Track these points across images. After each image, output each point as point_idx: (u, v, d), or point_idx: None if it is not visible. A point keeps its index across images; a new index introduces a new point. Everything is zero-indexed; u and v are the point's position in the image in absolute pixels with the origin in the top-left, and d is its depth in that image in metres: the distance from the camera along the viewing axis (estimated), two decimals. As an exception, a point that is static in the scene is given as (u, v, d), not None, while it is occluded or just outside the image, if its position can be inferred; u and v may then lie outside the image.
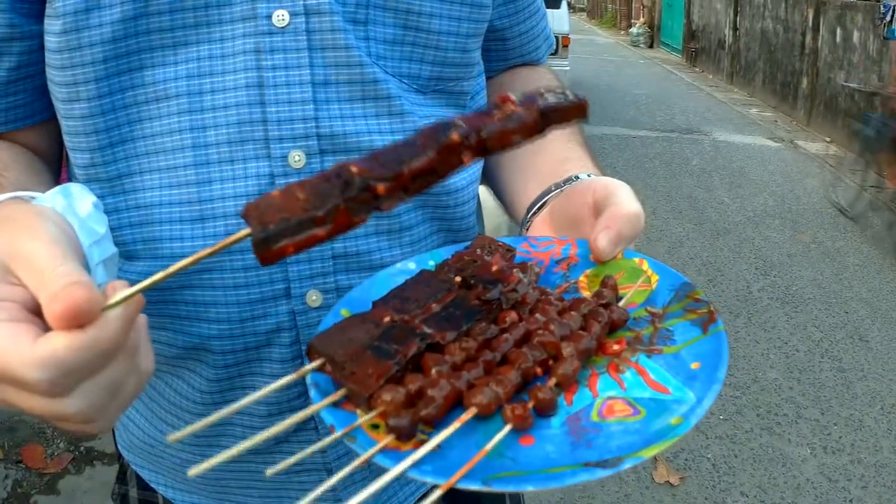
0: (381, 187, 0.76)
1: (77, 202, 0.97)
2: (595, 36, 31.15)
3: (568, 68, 11.26)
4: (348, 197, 0.75)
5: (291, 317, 1.15)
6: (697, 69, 21.59)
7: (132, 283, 1.11)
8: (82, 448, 4.30)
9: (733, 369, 5.54)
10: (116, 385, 0.75)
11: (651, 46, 27.23)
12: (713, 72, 20.36)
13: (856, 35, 12.16)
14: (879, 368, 5.72)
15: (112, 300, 0.71)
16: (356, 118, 1.13)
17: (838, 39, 12.84)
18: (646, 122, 14.04)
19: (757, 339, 6.11)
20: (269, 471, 0.72)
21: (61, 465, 4.17)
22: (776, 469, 4.53)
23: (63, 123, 1.13)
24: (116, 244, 1.05)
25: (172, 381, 1.24)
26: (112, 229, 1.07)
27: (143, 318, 0.79)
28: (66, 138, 1.14)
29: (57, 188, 0.97)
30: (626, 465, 0.71)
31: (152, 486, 1.41)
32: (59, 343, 0.68)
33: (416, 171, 0.78)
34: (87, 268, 0.87)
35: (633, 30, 28.48)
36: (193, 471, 0.68)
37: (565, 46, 10.98)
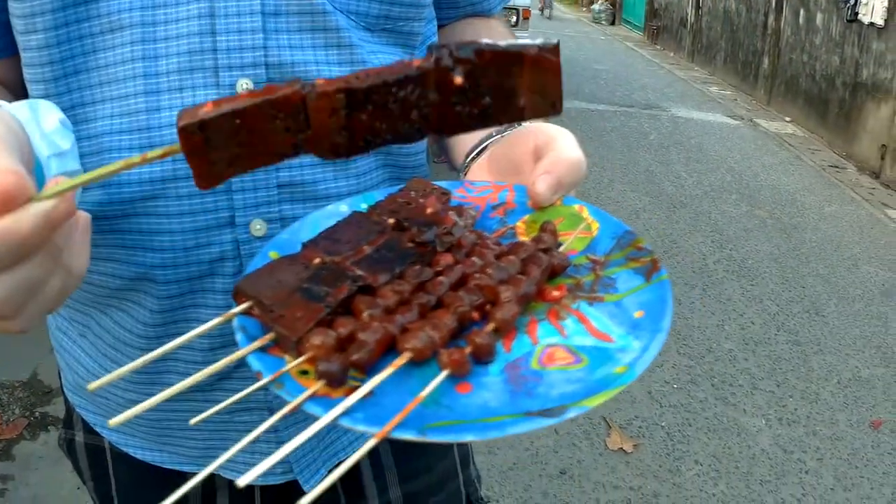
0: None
1: (42, 116, 0.96)
2: (556, 11, 31.22)
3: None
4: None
5: (235, 246, 1.16)
6: (658, 47, 21.72)
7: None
8: (37, 414, 4.29)
9: (688, 339, 5.62)
10: (35, 284, 0.74)
11: (613, 23, 27.42)
12: (674, 49, 20.48)
13: (819, 17, 12.23)
14: (836, 343, 5.77)
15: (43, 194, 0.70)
16: (304, 48, 1.13)
17: (801, 21, 12.92)
18: (605, 97, 14.07)
19: (712, 310, 6.14)
20: (193, 420, 0.74)
21: (16, 432, 4.16)
22: (731, 439, 4.55)
23: (22, 55, 1.13)
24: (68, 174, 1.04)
25: (116, 314, 1.24)
26: None
27: (84, 218, 0.79)
28: (24, 70, 1.14)
29: (24, 101, 0.96)
30: (570, 415, 0.68)
31: (97, 429, 1.42)
32: None
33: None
34: (35, 174, 0.86)
35: (595, 6, 28.65)
36: (114, 420, 0.68)
37: (525, 19, 10.96)
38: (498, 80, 0.81)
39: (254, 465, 1.25)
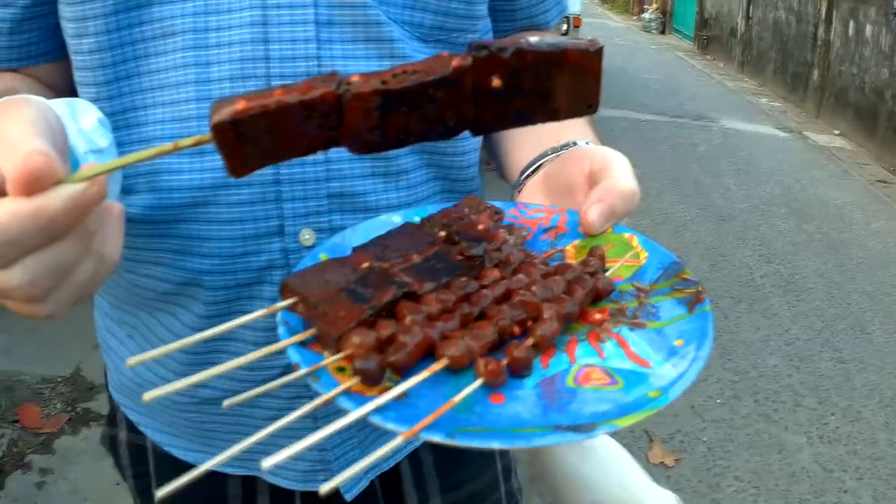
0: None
1: (80, 114, 0.97)
2: (607, 20, 31.05)
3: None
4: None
5: (284, 255, 1.16)
6: (709, 57, 21.53)
7: (131, 217, 1.09)
8: (79, 409, 4.33)
9: (732, 354, 5.58)
10: (64, 266, 0.75)
11: (663, 32, 27.15)
12: (724, 60, 20.31)
13: (868, 29, 12.12)
14: (879, 362, 5.71)
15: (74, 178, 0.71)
16: (357, 59, 1.13)
17: (851, 33, 12.80)
18: (655, 107, 13.99)
19: (758, 325, 6.10)
20: (227, 402, 0.76)
21: (57, 426, 4.20)
22: (772, 456, 4.53)
23: (72, 58, 1.14)
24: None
25: (164, 318, 1.25)
26: None
27: (118, 207, 0.80)
28: (75, 73, 1.15)
29: (62, 99, 0.97)
30: (599, 432, 0.68)
31: (140, 428, 1.43)
32: (3, 209, 0.69)
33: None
34: (72, 169, 0.86)
35: (646, 15, 28.36)
36: (148, 395, 0.71)
37: (577, 27, 10.97)
38: (536, 82, 0.82)
39: (295, 469, 1.29)
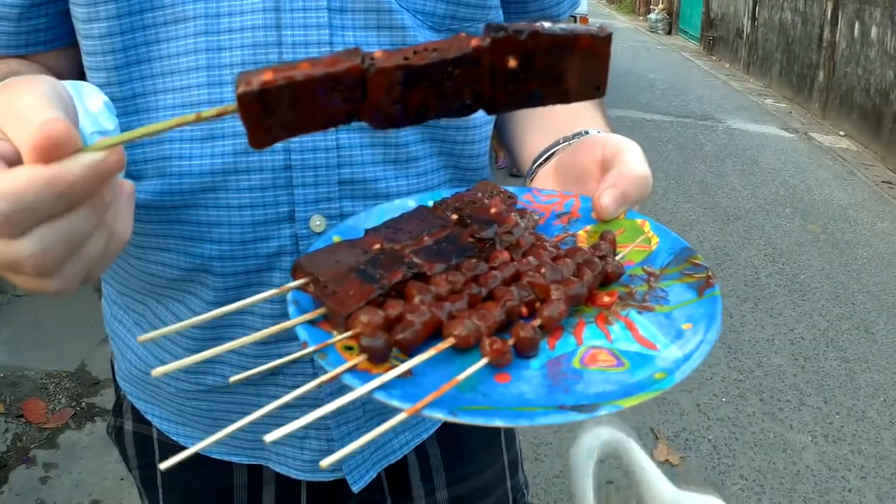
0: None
1: (87, 97, 0.97)
2: (613, 20, 30.99)
3: (585, 49, 11.27)
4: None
5: (294, 241, 1.16)
6: (714, 57, 21.50)
7: (141, 203, 1.09)
8: (83, 404, 4.33)
9: (738, 353, 5.58)
10: (77, 237, 0.74)
11: (669, 33, 27.11)
12: (730, 61, 20.28)
13: (874, 30, 12.10)
14: (883, 361, 5.70)
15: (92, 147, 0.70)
16: (370, 45, 1.12)
17: (856, 34, 12.77)
18: (661, 107, 13.98)
19: (763, 324, 6.09)
20: (233, 378, 0.75)
21: (62, 421, 4.20)
22: (776, 454, 4.52)
23: (82, 43, 1.13)
24: (127, 164, 1.06)
25: (173, 305, 1.25)
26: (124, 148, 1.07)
27: (129, 185, 0.79)
28: (84, 58, 1.15)
29: (68, 81, 0.96)
30: (602, 412, 0.68)
31: (147, 417, 1.43)
32: (21, 175, 0.68)
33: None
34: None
35: (652, 16, 28.31)
36: (157, 371, 0.70)
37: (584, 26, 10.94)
38: (549, 64, 0.83)
39: (303, 459, 1.29)
